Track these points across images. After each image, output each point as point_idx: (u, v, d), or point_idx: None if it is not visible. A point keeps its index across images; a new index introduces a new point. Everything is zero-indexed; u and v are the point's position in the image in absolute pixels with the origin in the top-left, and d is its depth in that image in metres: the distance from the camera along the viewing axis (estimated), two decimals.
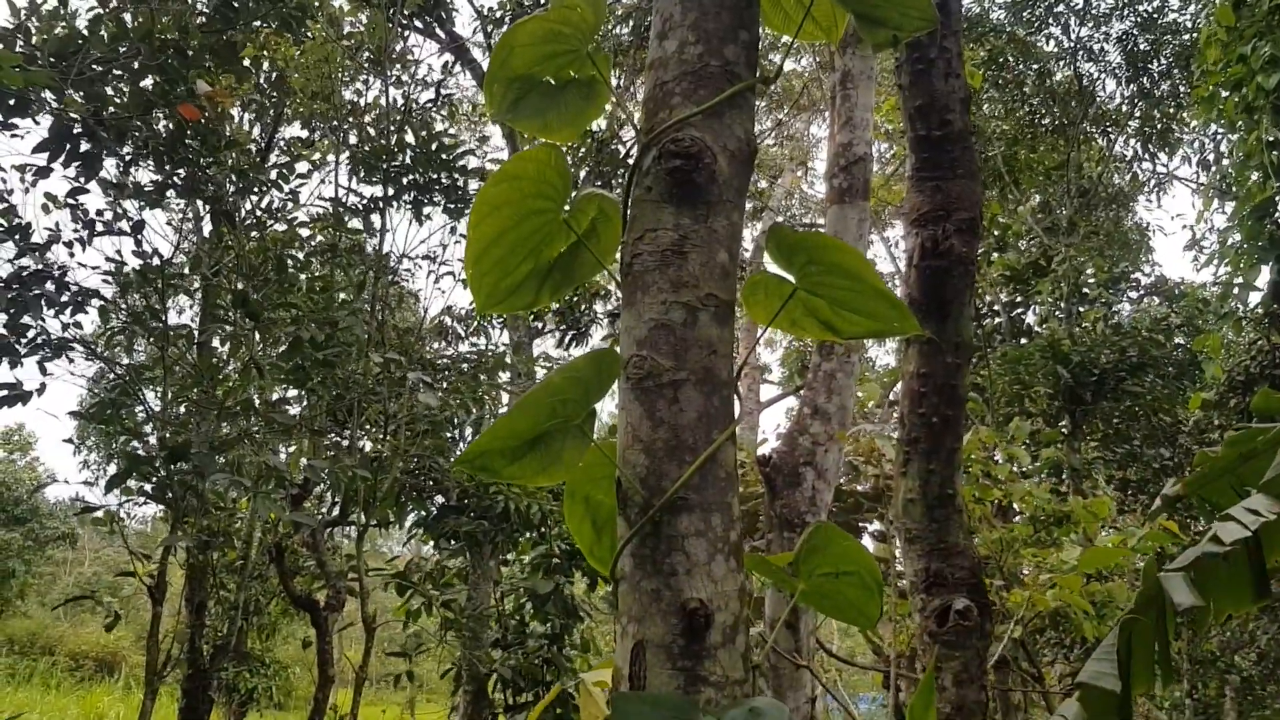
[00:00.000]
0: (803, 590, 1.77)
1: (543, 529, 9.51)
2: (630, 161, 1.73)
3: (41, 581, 26.55)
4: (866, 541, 8.36)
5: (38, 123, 6.65)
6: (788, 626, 5.95)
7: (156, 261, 7.43)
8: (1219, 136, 16.68)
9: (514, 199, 1.82)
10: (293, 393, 8.51)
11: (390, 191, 8.47)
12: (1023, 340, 15.98)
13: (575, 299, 14.13)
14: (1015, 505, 7.42)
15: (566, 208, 1.85)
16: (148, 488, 7.05)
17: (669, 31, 1.75)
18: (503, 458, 1.66)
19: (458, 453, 9.11)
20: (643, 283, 1.68)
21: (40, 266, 6.81)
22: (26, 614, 24.55)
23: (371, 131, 9.07)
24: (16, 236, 6.77)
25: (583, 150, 12.74)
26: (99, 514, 7.50)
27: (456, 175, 8.72)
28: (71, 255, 7.23)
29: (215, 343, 9.69)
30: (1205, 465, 3.13)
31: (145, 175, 7.85)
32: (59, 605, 16.62)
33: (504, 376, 10.43)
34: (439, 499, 9.23)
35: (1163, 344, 14.20)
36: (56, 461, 56.48)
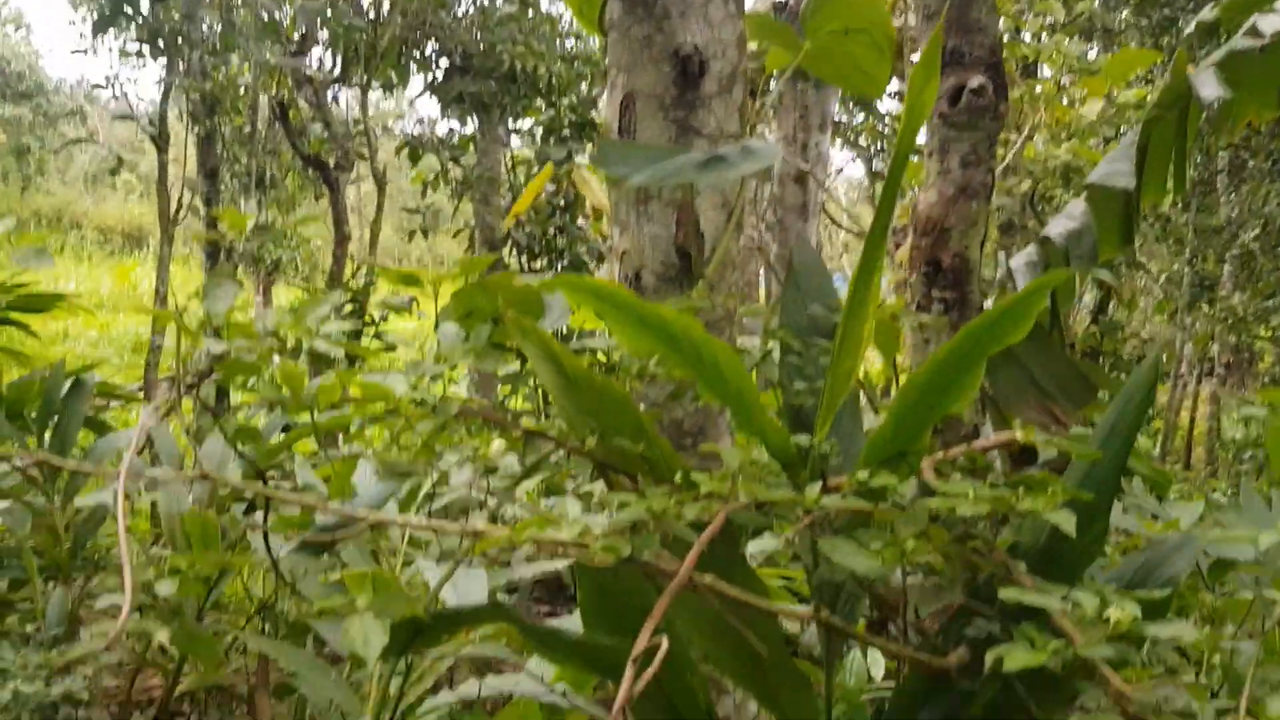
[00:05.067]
0: (808, 52, 1.64)
1: (552, 97, 9.26)
2: None
3: (59, 159, 26.67)
4: None
5: None
6: (795, 181, 5.93)
7: None
8: None
9: None
10: None
11: None
12: None
13: None
14: (1043, 65, 7.12)
15: None
16: (143, 45, 6.79)
17: None
18: None
19: (459, 9, 8.67)
20: None
21: None
22: (50, 191, 24.87)
23: None
24: None
25: None
26: (100, 83, 7.31)
27: None
28: None
29: None
30: None
31: None
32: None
33: None
34: (444, 61, 8.92)
35: None
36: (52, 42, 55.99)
